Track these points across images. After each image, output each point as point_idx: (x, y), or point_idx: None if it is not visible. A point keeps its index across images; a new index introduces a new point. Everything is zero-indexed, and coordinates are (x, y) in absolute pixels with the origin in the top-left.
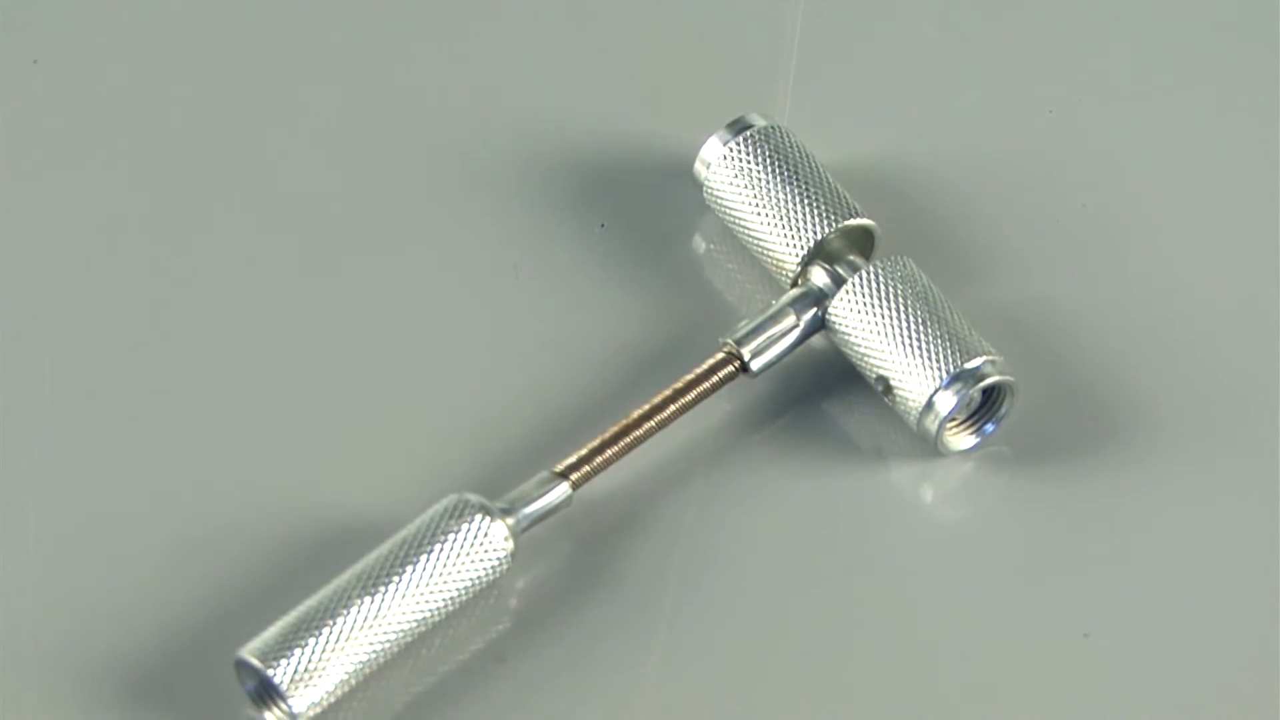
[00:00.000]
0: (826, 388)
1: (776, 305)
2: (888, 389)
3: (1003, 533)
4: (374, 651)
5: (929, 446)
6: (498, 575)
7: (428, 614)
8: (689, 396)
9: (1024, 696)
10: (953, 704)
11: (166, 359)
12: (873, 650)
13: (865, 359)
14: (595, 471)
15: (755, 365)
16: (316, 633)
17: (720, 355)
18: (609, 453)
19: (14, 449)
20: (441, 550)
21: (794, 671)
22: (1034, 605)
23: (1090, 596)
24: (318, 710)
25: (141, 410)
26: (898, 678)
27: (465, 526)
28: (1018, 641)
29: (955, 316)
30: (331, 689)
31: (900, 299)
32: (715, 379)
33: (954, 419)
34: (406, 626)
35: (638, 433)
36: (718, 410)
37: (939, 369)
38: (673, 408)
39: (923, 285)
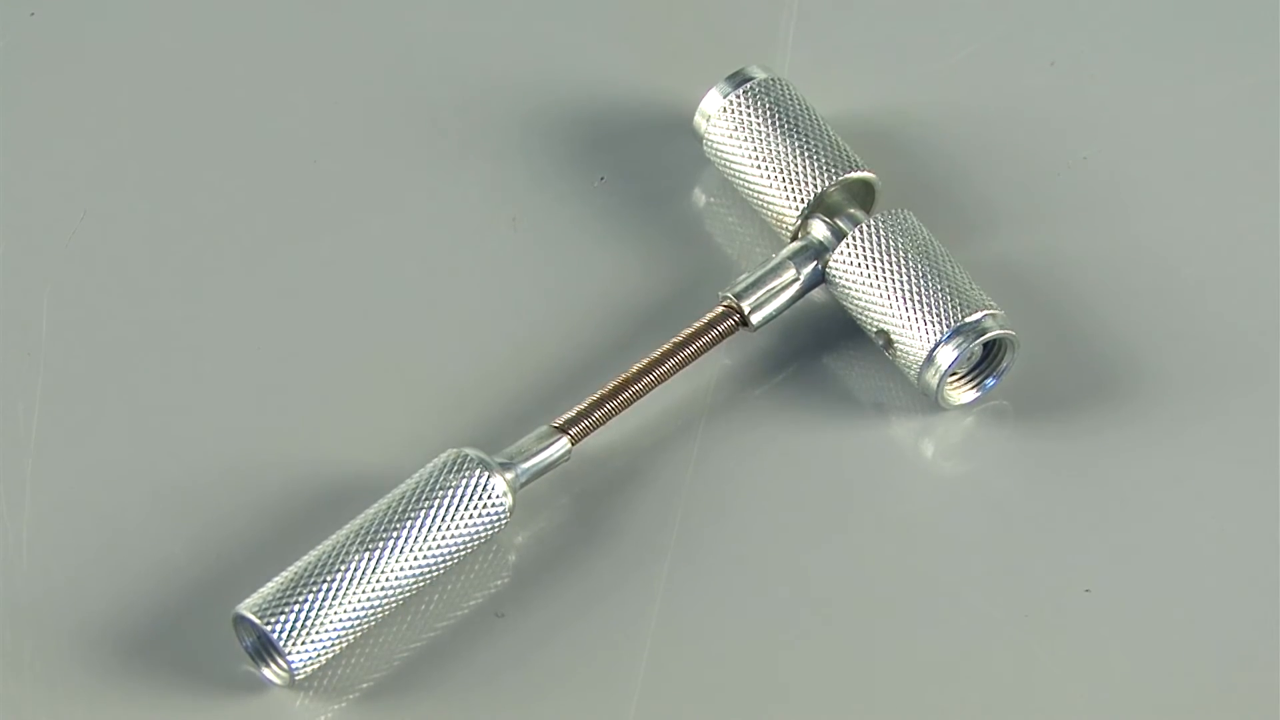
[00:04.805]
0: (826, 342)
1: (776, 259)
2: (888, 343)
3: (1003, 488)
4: (373, 607)
5: (930, 401)
6: (497, 530)
7: (426, 569)
8: (688, 350)
9: (1025, 652)
10: (953, 660)
11: (163, 313)
12: (872, 606)
13: (865, 313)
14: (594, 426)
15: (755, 319)
16: (315, 588)
17: (720, 309)
18: (608, 407)
19: (10, 403)
20: (440, 505)
21: (793, 627)
22: (1035, 561)
23: (1091, 552)
24: (316, 666)
25: (139, 365)
26: (897, 634)
27: (464, 481)
28: (1019, 597)
29: (956, 270)
30: (330, 644)
31: (901, 252)
32: (715, 333)
33: (955, 373)
34: (405, 582)
35: (637, 387)
36: (717, 365)
37: (940, 323)
38: (672, 362)
39: (923, 238)
